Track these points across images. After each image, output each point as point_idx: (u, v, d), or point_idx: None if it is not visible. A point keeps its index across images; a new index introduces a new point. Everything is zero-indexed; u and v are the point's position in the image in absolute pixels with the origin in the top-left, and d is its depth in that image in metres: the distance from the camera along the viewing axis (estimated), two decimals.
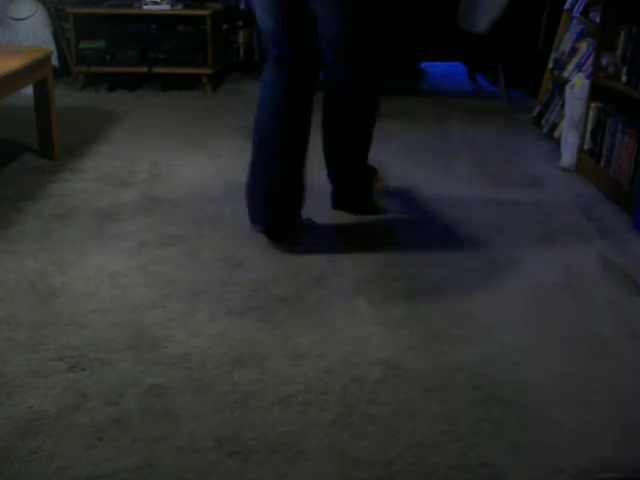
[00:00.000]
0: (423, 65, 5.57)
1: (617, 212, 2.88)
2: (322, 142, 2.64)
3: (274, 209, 2.51)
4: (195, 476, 1.44)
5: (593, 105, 3.25)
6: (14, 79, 2.88)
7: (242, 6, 5.40)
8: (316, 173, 2.69)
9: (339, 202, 2.77)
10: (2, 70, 2.76)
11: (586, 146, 3.31)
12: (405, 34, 4.77)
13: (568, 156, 3.43)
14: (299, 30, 2.41)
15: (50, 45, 4.72)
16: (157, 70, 4.87)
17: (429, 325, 2.01)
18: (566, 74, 3.81)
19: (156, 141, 3.73)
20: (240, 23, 5.40)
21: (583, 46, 3.73)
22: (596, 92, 3.25)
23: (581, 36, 3.80)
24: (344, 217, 2.75)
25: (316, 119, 2.57)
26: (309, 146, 2.52)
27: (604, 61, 3.16)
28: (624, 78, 3.03)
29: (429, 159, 3.50)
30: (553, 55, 4.08)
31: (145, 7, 4.80)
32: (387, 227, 2.68)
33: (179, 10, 4.83)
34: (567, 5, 4.03)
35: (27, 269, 2.28)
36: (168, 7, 4.80)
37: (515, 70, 4.79)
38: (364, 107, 2.60)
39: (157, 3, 4.80)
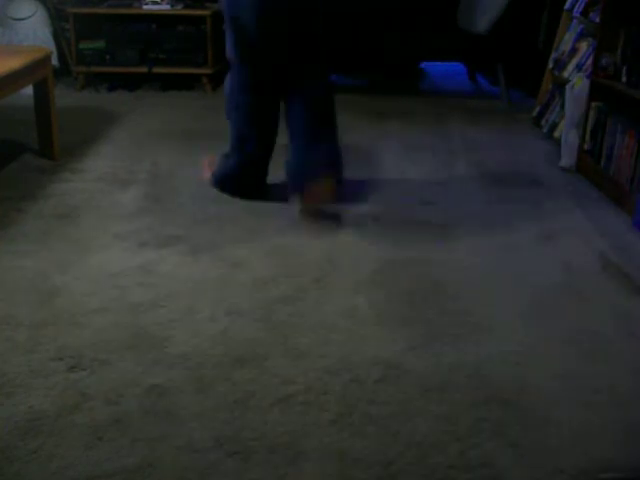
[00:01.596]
0: (423, 65, 5.57)
1: (617, 211, 2.88)
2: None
3: None
4: (195, 476, 1.44)
5: (593, 105, 3.25)
6: (14, 79, 2.88)
7: None
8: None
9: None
10: (2, 70, 2.76)
11: (586, 146, 3.31)
12: (405, 34, 4.77)
13: (568, 156, 3.43)
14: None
15: (50, 45, 4.72)
16: (157, 70, 4.87)
17: (429, 325, 2.01)
18: (566, 74, 3.81)
19: (156, 141, 3.73)
20: None
21: (583, 46, 3.73)
22: (596, 92, 3.25)
23: (581, 36, 3.80)
24: (341, 215, 2.75)
25: None
26: None
27: (604, 61, 3.16)
28: (624, 78, 3.03)
29: (429, 159, 3.50)
30: (553, 55, 4.08)
31: (145, 7, 4.80)
32: (387, 227, 2.68)
33: (179, 10, 4.83)
34: (567, 5, 4.03)
35: (27, 269, 2.28)
36: (168, 7, 4.81)
37: (515, 70, 4.79)
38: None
39: (157, 3, 4.80)
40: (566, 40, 3.96)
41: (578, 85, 3.42)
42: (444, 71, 5.65)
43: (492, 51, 4.67)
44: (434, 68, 5.66)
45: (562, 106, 3.72)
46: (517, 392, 1.72)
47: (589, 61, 3.52)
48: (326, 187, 2.65)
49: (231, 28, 2.68)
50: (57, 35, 4.96)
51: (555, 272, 2.36)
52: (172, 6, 4.82)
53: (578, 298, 2.19)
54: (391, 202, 2.92)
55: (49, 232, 2.56)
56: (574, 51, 3.81)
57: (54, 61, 4.54)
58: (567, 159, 3.43)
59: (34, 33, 4.77)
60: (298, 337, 1.93)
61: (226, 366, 1.79)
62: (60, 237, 2.53)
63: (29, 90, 3.27)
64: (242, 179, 2.90)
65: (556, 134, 3.79)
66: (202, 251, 2.44)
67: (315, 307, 2.09)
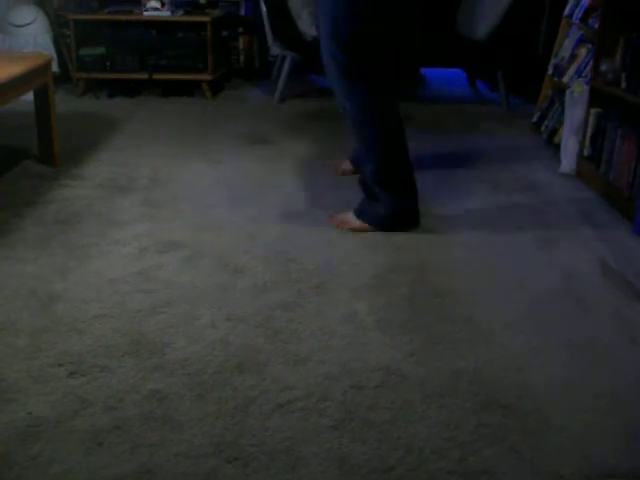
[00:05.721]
0: (423, 71, 5.58)
1: (617, 217, 2.89)
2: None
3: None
4: None
5: (593, 111, 3.25)
6: (15, 85, 2.88)
7: (242, 12, 5.42)
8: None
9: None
10: (3, 76, 2.77)
11: (586, 152, 3.31)
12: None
13: (568, 162, 3.43)
14: None
15: (50, 51, 4.72)
16: (157, 76, 4.87)
17: (429, 331, 2.01)
18: (566, 80, 3.81)
19: (156, 147, 3.74)
20: (240, 29, 5.42)
21: (582, 52, 3.73)
22: (596, 98, 3.25)
23: (580, 42, 3.81)
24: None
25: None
26: None
27: (603, 67, 3.17)
28: (623, 84, 3.04)
29: (429, 164, 3.50)
30: (552, 61, 4.09)
31: (145, 13, 4.81)
32: (386, 233, 2.68)
33: (179, 16, 4.85)
34: (566, 11, 4.04)
35: (27, 275, 2.29)
36: (169, 13, 4.82)
37: (515, 76, 4.79)
38: None
39: (158, 9, 4.81)
40: (565, 46, 3.97)
41: (578, 91, 3.43)
42: (444, 77, 5.66)
43: (492, 57, 4.68)
44: (434, 74, 5.67)
45: (562, 112, 3.72)
46: (517, 397, 1.72)
47: (588, 67, 3.53)
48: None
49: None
50: (57, 41, 4.97)
51: (555, 278, 2.36)
52: (172, 12, 4.83)
53: (578, 303, 2.19)
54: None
55: (49, 238, 2.56)
56: (573, 57, 3.81)
57: (54, 67, 4.54)
58: (567, 165, 3.44)
59: (34, 39, 4.78)
60: (298, 343, 1.93)
61: (226, 372, 1.79)
62: (60, 243, 2.53)
63: (29, 96, 3.27)
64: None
65: (556, 140, 3.79)
66: (202, 257, 2.44)
67: (315, 313, 2.09)
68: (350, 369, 1.82)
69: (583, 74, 3.60)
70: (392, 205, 2.67)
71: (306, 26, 4.54)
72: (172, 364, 1.82)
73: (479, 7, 4.53)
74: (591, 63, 3.40)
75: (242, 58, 5.48)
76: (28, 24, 4.78)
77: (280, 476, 1.45)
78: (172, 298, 2.16)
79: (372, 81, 2.57)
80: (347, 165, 3.32)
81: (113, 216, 2.79)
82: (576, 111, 3.40)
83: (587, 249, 2.59)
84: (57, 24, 4.99)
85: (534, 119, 4.19)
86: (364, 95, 2.57)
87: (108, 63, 4.87)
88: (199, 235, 2.63)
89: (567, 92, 3.53)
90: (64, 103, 4.57)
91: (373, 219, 2.69)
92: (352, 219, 2.71)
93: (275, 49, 4.99)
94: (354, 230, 2.67)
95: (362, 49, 2.52)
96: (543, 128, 4.03)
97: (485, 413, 1.66)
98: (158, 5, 4.81)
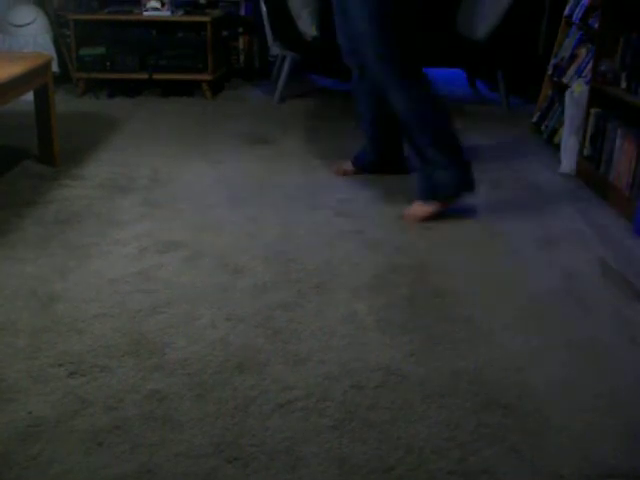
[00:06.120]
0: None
1: (617, 217, 2.89)
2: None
3: None
4: None
5: (592, 111, 3.25)
6: (15, 85, 2.88)
7: (242, 12, 5.43)
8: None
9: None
10: (3, 76, 2.77)
11: (586, 152, 3.31)
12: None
13: (568, 162, 3.43)
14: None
15: (50, 51, 4.72)
16: (157, 76, 4.87)
17: (429, 331, 2.01)
18: (566, 80, 3.81)
19: (156, 147, 3.74)
20: (240, 29, 5.42)
21: (582, 52, 3.73)
22: (596, 98, 3.25)
23: (580, 42, 3.81)
24: (341, 221, 2.75)
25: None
26: None
27: (603, 67, 3.17)
28: (623, 84, 3.04)
29: None
30: (552, 61, 4.09)
31: (146, 13, 4.81)
32: (386, 232, 2.68)
33: (179, 16, 4.85)
34: (566, 11, 4.04)
35: (27, 275, 2.28)
36: (169, 13, 4.82)
37: (515, 76, 4.79)
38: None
39: (158, 9, 4.81)
40: (565, 46, 3.97)
41: (578, 91, 3.43)
42: (444, 77, 5.65)
43: (492, 57, 4.68)
44: (433, 74, 5.65)
45: (562, 112, 3.72)
46: (517, 397, 1.72)
47: (588, 67, 3.53)
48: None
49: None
50: (57, 41, 4.97)
51: (555, 277, 2.36)
52: (172, 12, 4.83)
53: (578, 304, 2.19)
54: (390, 207, 2.92)
55: (49, 238, 2.56)
56: (573, 57, 3.81)
57: (54, 67, 4.54)
58: (567, 164, 3.44)
59: (34, 39, 4.78)
60: (298, 343, 1.93)
61: (226, 372, 1.79)
62: (60, 243, 2.53)
63: (29, 96, 3.27)
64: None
65: (556, 140, 3.80)
66: (202, 257, 2.44)
67: (315, 313, 2.09)
68: (350, 369, 1.82)
69: (583, 74, 3.60)
70: (461, 165, 2.82)
71: (306, 26, 4.54)
72: (172, 364, 1.82)
73: (479, 7, 4.53)
74: (591, 63, 3.40)
75: (242, 58, 5.49)
76: (28, 24, 4.78)
77: (280, 476, 1.45)
78: (172, 298, 2.16)
79: (418, 70, 2.94)
80: (348, 165, 3.32)
81: (113, 216, 2.79)
82: (576, 111, 3.40)
83: (587, 249, 2.59)
84: (57, 24, 4.99)
85: (534, 119, 4.19)
86: (416, 78, 2.92)
87: (108, 63, 4.87)
88: (199, 235, 2.63)
89: (567, 92, 3.53)
90: (64, 103, 4.57)
91: (447, 189, 2.80)
92: (422, 206, 2.80)
93: (275, 49, 4.99)
94: (426, 217, 2.77)
95: (409, 39, 2.82)
96: (543, 128, 4.03)
97: (485, 413, 1.66)
98: (158, 5, 4.81)
